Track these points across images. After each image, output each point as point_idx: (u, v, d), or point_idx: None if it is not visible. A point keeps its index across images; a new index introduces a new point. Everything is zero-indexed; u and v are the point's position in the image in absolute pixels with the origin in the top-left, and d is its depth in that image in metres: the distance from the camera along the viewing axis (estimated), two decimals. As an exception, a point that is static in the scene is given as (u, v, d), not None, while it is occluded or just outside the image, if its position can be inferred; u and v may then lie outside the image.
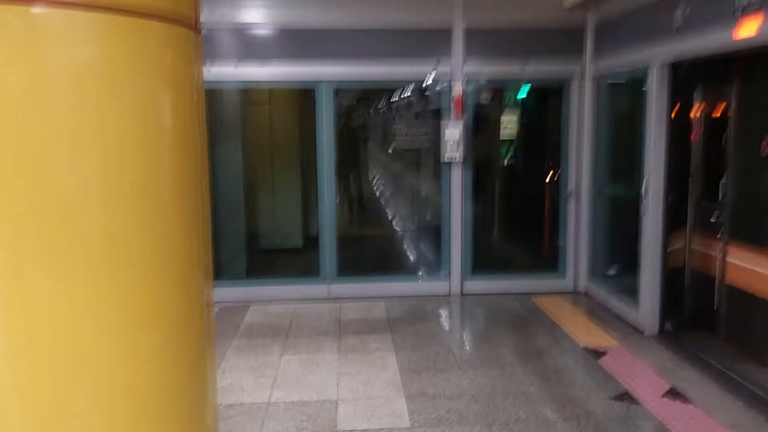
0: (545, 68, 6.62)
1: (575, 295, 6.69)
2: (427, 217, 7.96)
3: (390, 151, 7.78)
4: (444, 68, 6.54)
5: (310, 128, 6.69)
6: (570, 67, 6.63)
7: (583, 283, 6.78)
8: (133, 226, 1.99)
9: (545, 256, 7.13)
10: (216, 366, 3.29)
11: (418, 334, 5.53)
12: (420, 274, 7.12)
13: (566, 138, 6.76)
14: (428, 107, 7.35)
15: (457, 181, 6.68)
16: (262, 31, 6.47)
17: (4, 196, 1.78)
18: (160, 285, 2.09)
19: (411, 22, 6.47)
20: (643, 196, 5.45)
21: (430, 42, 6.56)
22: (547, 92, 7.08)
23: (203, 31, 6.41)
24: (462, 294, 6.75)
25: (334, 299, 6.58)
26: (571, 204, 6.79)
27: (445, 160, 6.60)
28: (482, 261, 6.89)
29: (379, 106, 9.51)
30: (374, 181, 9.66)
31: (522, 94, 7.06)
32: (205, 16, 6.88)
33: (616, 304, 6.07)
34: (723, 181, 5.11)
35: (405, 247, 8.09)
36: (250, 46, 6.44)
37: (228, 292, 6.48)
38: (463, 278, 6.78)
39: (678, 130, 5.42)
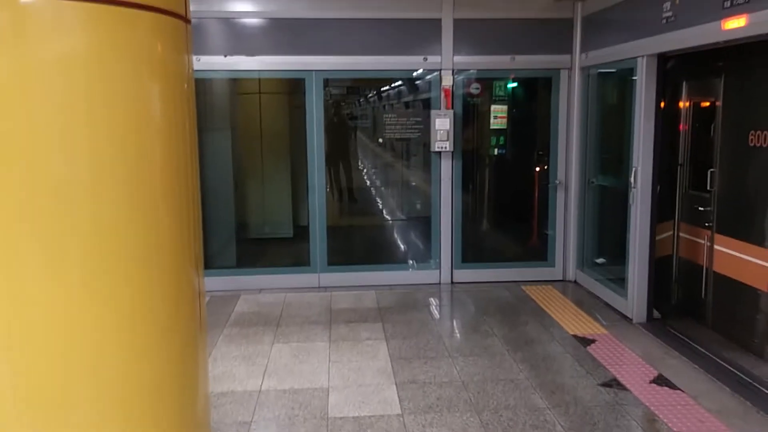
0: (534, 59, 6.64)
1: (564, 284, 6.75)
2: (418, 207, 7.98)
3: (380, 141, 7.79)
4: (434, 59, 6.55)
5: (300, 118, 6.68)
6: (559, 58, 6.65)
7: (572, 271, 6.84)
8: (123, 217, 2.00)
9: (534, 246, 7.18)
10: (207, 354, 3.31)
11: (409, 323, 5.56)
12: (410, 263, 7.15)
13: (555, 128, 6.80)
14: (418, 97, 7.36)
15: (447, 171, 6.71)
16: (251, 21, 6.44)
17: (-6, 187, 1.78)
18: (150, 275, 2.10)
19: (401, 13, 6.46)
20: (632, 185, 5.49)
21: (420, 33, 6.56)
22: (537, 83, 7.10)
23: (193, 21, 6.39)
24: (452, 283, 6.80)
25: (325, 288, 6.60)
26: (560, 193, 6.83)
27: (435, 150, 6.62)
28: (472, 250, 6.94)
29: (370, 96, 9.49)
30: (365, 171, 9.66)
31: (512, 85, 7.07)
32: (194, 6, 6.83)
33: (605, 292, 6.13)
34: (711, 170, 5.17)
35: (395, 236, 8.11)
36: (239, 36, 6.42)
37: (219, 282, 6.49)
38: (453, 267, 6.82)
39: (667, 120, 5.46)
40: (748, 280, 4.80)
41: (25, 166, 1.80)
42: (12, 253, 1.81)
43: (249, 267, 7.10)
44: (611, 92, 6.43)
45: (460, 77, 6.67)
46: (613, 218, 6.08)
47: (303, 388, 4.27)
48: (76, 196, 1.88)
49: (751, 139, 4.73)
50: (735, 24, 4.17)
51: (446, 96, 6.61)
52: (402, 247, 7.87)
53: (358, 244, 8.02)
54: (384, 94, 8.79)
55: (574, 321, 5.57)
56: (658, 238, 5.54)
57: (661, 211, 5.54)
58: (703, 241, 5.28)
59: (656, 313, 5.48)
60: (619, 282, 5.84)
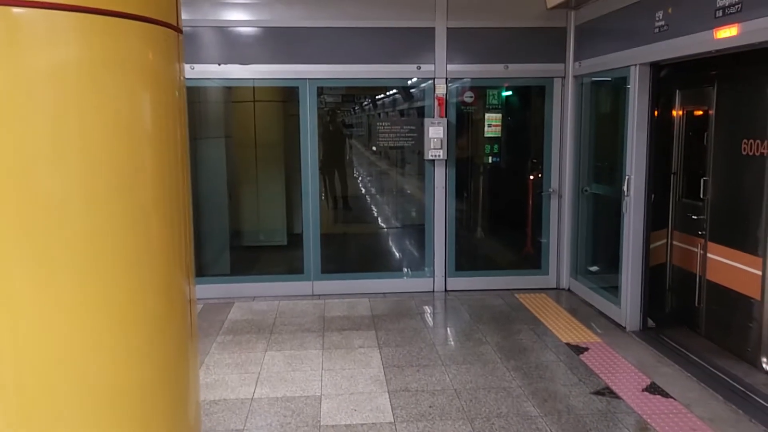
0: (528, 68, 6.68)
1: (558, 292, 6.76)
2: (412, 215, 7.99)
3: (374, 148, 7.80)
4: (427, 67, 6.58)
5: (294, 126, 6.69)
6: (552, 67, 6.69)
7: (566, 279, 6.84)
8: (114, 225, 2.00)
9: (528, 254, 7.19)
10: (199, 362, 3.30)
11: (402, 330, 5.56)
12: (404, 271, 7.15)
13: (549, 137, 6.82)
14: (412, 106, 7.38)
15: (441, 179, 6.72)
16: (245, 30, 6.45)
17: (-15, 195, 1.78)
18: (141, 282, 2.10)
19: (394, 22, 6.49)
20: (625, 193, 5.51)
21: (414, 41, 6.59)
22: (532, 91, 7.13)
23: (186, 30, 6.43)
24: (446, 291, 6.80)
25: (318, 296, 6.59)
26: (553, 202, 6.85)
27: (429, 158, 6.64)
28: (466, 258, 6.95)
29: (364, 104, 9.52)
30: (359, 179, 9.67)
31: (506, 93, 7.10)
32: (188, 15, 6.89)
33: (599, 300, 6.14)
34: (705, 178, 5.20)
35: (389, 244, 8.11)
36: (233, 45, 6.43)
37: (212, 290, 6.48)
38: (447, 275, 6.82)
39: (660, 129, 5.49)
40: (741, 289, 4.82)
41: (16, 174, 1.80)
42: (3, 261, 1.81)
43: (243, 275, 7.09)
44: (604, 101, 6.46)
45: (453, 86, 6.70)
46: (607, 226, 6.09)
47: (295, 396, 4.26)
48: (67, 204, 1.88)
49: (744, 148, 4.75)
50: (727, 33, 4.20)
51: (440, 104, 6.63)
52: (396, 255, 7.87)
53: (352, 251, 8.03)
54: (378, 103, 8.82)
55: (567, 329, 5.57)
56: (651, 246, 5.55)
57: (654, 220, 5.56)
58: (696, 250, 5.29)
59: (650, 322, 5.48)
60: (613, 290, 5.85)
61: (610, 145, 6.13)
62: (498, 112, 6.91)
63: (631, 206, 5.47)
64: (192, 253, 2.51)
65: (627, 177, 5.49)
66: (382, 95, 8.51)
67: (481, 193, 7.67)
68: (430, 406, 4.09)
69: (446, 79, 6.61)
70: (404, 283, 6.87)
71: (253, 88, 7.76)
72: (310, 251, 6.67)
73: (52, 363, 1.89)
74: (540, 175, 6.95)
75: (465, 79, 6.73)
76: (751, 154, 4.67)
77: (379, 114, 8.63)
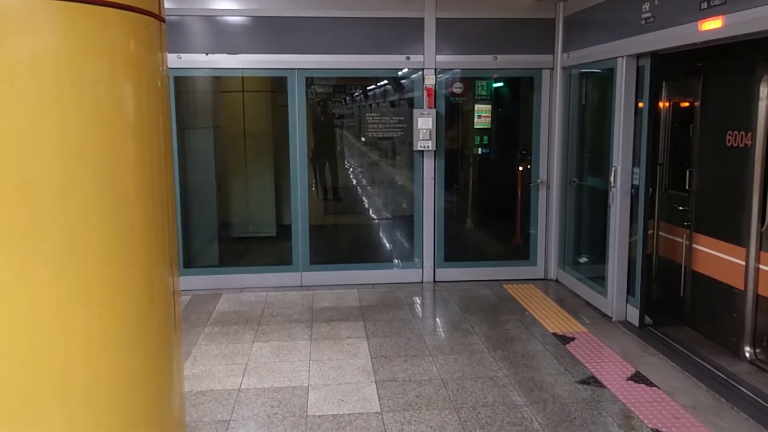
0: (517, 59, 6.68)
1: (546, 283, 6.80)
2: (401, 206, 8.00)
3: (363, 139, 7.80)
4: (416, 58, 6.57)
5: (284, 116, 6.67)
6: (541, 58, 6.70)
7: (554, 270, 6.89)
8: (94, 216, 1.99)
9: (517, 244, 7.22)
10: (183, 354, 3.30)
11: (390, 321, 5.58)
12: (393, 262, 7.16)
13: (537, 128, 6.84)
14: (402, 96, 7.37)
15: (430, 170, 6.73)
16: (233, 19, 6.41)
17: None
18: (122, 274, 2.09)
19: (383, 12, 6.47)
20: (612, 184, 5.54)
21: (403, 32, 6.57)
22: (521, 82, 7.14)
23: (173, 19, 6.40)
24: (434, 282, 6.82)
25: (307, 287, 6.60)
26: (541, 193, 6.88)
27: (418, 149, 6.64)
28: (455, 249, 6.97)
29: (355, 95, 9.50)
30: (349, 170, 9.66)
31: (495, 84, 7.11)
32: (175, 4, 6.82)
33: (585, 290, 6.19)
34: (690, 170, 5.23)
35: (378, 235, 8.12)
36: (221, 34, 6.39)
37: (200, 281, 6.47)
38: (436, 266, 6.84)
39: (647, 120, 5.51)
40: (724, 279, 4.87)
41: (-7, 164, 1.79)
42: (-22, 253, 1.80)
43: (231, 266, 7.09)
44: (593, 92, 6.47)
45: (442, 76, 6.69)
46: (594, 217, 6.13)
47: (283, 387, 4.27)
48: (45, 194, 1.87)
49: (728, 140, 4.79)
50: (712, 25, 4.22)
51: (429, 95, 6.63)
52: (385, 245, 7.89)
53: (342, 242, 8.04)
54: (368, 93, 8.80)
55: (554, 319, 5.61)
56: (636, 237, 5.59)
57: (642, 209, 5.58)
58: (681, 240, 5.33)
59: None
60: (600, 281, 5.89)
61: (597, 137, 6.16)
62: (487, 104, 6.92)
63: (617, 197, 5.50)
64: (176, 245, 2.50)
65: (614, 168, 5.52)
66: (372, 86, 8.49)
67: (470, 184, 7.68)
68: (416, 396, 4.12)
69: (435, 69, 6.60)
70: (393, 274, 6.89)
71: (242, 78, 7.73)
72: (299, 242, 6.67)
73: (30, 357, 1.89)
74: (529, 167, 6.97)
75: (454, 70, 6.73)
76: (734, 145, 4.70)
77: (369, 105, 8.61)
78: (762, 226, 4.49)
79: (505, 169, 7.36)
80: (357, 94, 9.41)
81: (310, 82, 6.83)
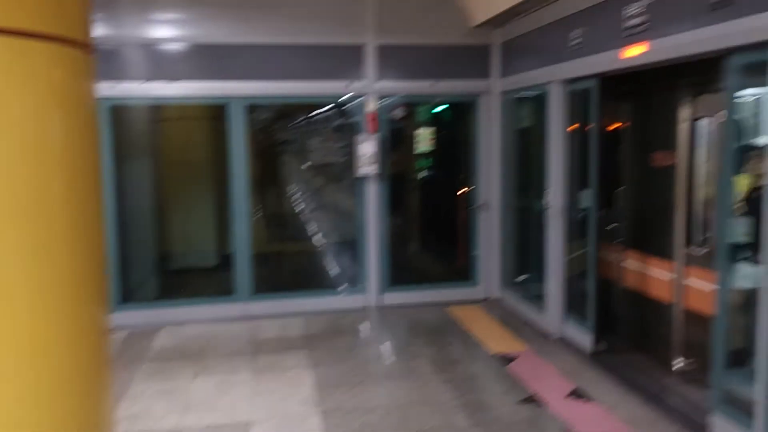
0: (456, 84, 6.82)
1: (488, 303, 6.89)
2: (346, 231, 8.00)
3: (305, 166, 7.80)
4: (358, 85, 6.63)
5: (224, 143, 6.60)
6: (479, 83, 6.86)
7: (495, 291, 6.99)
8: (16, 251, 1.93)
9: (460, 267, 7.30)
10: (113, 394, 3.18)
11: (336, 349, 5.54)
12: (338, 288, 7.13)
13: (477, 151, 6.98)
14: (344, 123, 7.42)
15: (373, 195, 6.76)
16: (171, 47, 6.34)
17: None
18: (47, 311, 2.02)
19: (324, 39, 6.52)
20: (547, 205, 5.69)
21: (344, 58, 6.63)
22: (461, 107, 7.28)
23: (108, 47, 6.30)
24: (380, 307, 6.82)
25: (251, 318, 6.48)
26: (483, 215, 7.00)
27: (361, 174, 6.67)
28: (399, 273, 6.99)
29: (297, 121, 9.51)
30: (293, 196, 9.62)
31: (436, 109, 7.24)
32: (111, 31, 6.70)
33: (525, 310, 6.30)
34: (620, 189, 5.42)
35: (324, 261, 8.09)
36: (159, 62, 6.30)
37: (138, 316, 6.28)
38: (381, 291, 6.85)
39: (578, 143, 5.70)
40: (654, 294, 5.04)
41: None
42: None
43: (171, 299, 6.91)
44: (528, 116, 6.67)
45: (384, 102, 6.77)
46: (533, 237, 6.27)
47: (224, 423, 4.16)
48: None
49: (654, 160, 5.00)
50: (635, 51, 4.42)
51: (371, 121, 6.69)
52: (330, 271, 7.85)
53: (286, 270, 7.96)
54: (312, 119, 8.82)
55: (496, 339, 5.68)
56: (573, 255, 5.72)
57: (578, 229, 5.73)
58: (614, 258, 5.50)
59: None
60: (538, 300, 6.01)
61: (534, 159, 6.32)
62: (429, 128, 7.02)
63: (552, 218, 5.65)
64: (105, 280, 2.44)
65: (548, 189, 5.67)
66: (316, 112, 8.52)
67: (414, 208, 7.78)
68: (362, 424, 4.09)
69: (377, 95, 6.67)
70: (338, 301, 6.85)
71: (183, 105, 7.62)
72: (241, 272, 6.56)
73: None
74: (470, 189, 7.09)
75: (396, 96, 6.82)
76: (660, 165, 4.91)
77: (313, 130, 8.62)
78: (689, 245, 4.66)
79: (447, 192, 7.47)
80: (300, 120, 9.42)
81: (252, 108, 6.79)
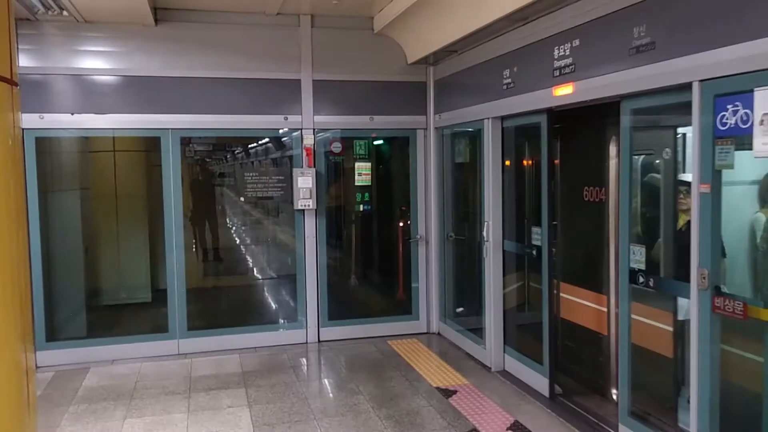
0: (392, 119, 6.94)
1: (428, 336, 6.91)
2: (284, 265, 7.89)
3: (242, 199, 7.68)
4: (294, 118, 6.64)
5: (158, 176, 6.44)
6: (415, 119, 6.99)
7: (436, 324, 7.02)
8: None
9: (400, 300, 7.31)
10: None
11: (274, 386, 5.41)
12: (276, 323, 7.00)
13: (415, 185, 7.08)
14: (282, 155, 7.38)
15: (311, 229, 6.73)
16: (102, 78, 6.19)
17: None
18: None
19: (260, 73, 6.53)
20: (485, 238, 5.80)
21: (280, 92, 6.64)
22: (398, 141, 7.39)
23: (35, 78, 6.16)
24: (319, 341, 6.73)
25: (185, 355, 6.27)
26: (421, 248, 7.06)
27: (299, 207, 6.64)
28: (339, 307, 6.94)
29: (234, 153, 9.39)
30: (230, 230, 9.44)
31: (374, 144, 7.31)
32: (38, 62, 6.55)
33: (466, 342, 6.34)
34: (554, 222, 5.58)
35: (261, 296, 7.93)
36: (88, 94, 6.14)
37: (65, 355, 5.99)
38: (320, 326, 6.77)
39: (514, 177, 5.86)
40: (590, 325, 5.18)
41: None
42: None
43: (101, 336, 6.59)
44: (464, 151, 6.82)
45: (321, 136, 6.79)
46: (471, 270, 6.35)
47: (156, 466, 3.98)
48: None
49: (585, 194, 5.19)
50: (564, 91, 4.61)
51: (308, 154, 6.69)
52: (268, 306, 7.71)
53: (222, 305, 7.76)
54: (248, 152, 8.73)
55: (437, 373, 5.68)
56: (510, 288, 5.83)
57: (514, 263, 5.85)
58: (548, 291, 5.62)
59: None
60: (478, 332, 6.07)
61: (471, 193, 6.45)
62: (367, 162, 7.08)
63: (490, 251, 5.75)
64: (29, 318, 2.32)
65: (486, 223, 5.79)
66: (253, 145, 8.45)
67: (353, 241, 7.75)
68: (300, 463, 3.98)
69: (314, 129, 6.70)
70: (276, 336, 6.72)
71: (113, 137, 7.41)
72: (176, 307, 6.37)
73: None
74: (408, 222, 7.16)
75: (333, 130, 6.86)
76: (591, 200, 5.10)
77: (250, 163, 8.53)
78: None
79: (386, 225, 7.51)
80: (237, 152, 9.32)
81: (187, 141, 6.68)
